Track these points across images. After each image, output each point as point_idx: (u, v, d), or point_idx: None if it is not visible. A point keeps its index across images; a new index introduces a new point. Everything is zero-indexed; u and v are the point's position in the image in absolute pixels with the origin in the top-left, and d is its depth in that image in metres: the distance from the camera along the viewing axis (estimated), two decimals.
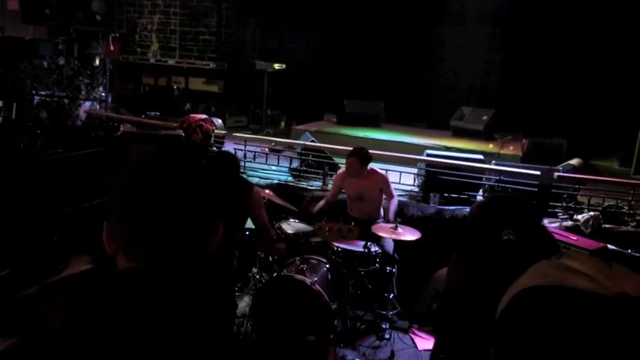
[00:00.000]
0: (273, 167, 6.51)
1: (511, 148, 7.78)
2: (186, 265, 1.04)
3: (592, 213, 5.00)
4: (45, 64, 7.82)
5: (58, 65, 7.79)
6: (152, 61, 11.12)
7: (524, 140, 7.53)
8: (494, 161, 5.89)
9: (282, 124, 9.81)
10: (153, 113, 8.43)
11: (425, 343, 4.40)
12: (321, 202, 5.03)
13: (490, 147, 7.70)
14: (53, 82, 7.62)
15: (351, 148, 4.92)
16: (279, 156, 6.74)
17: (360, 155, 4.71)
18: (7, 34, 8.96)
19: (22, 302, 4.21)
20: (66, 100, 7.56)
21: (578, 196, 5.44)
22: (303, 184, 5.96)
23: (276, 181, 5.95)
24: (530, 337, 0.63)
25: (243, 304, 4.53)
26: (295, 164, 6.45)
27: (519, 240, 2.01)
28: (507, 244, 2.09)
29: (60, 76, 7.68)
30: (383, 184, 4.85)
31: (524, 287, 0.66)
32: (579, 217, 5.00)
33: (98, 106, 8.23)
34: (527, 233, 2.07)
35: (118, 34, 9.55)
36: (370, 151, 4.87)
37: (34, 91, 7.47)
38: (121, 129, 6.65)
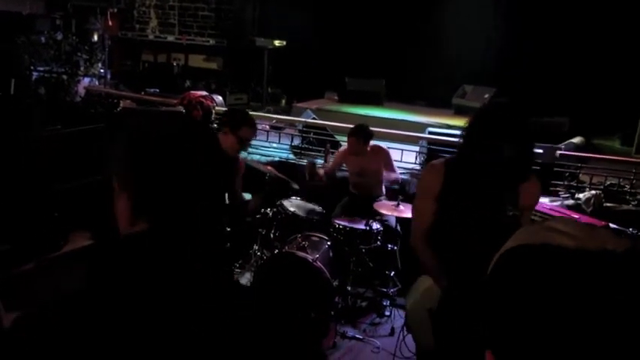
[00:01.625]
0: (274, 145, 6.48)
1: None
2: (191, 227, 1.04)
3: (594, 192, 4.99)
4: (43, 39, 7.74)
5: (56, 41, 7.71)
6: (151, 37, 10.98)
7: None
8: None
9: (283, 101, 9.74)
10: (152, 90, 8.37)
11: None
12: (321, 171, 5.06)
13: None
14: (51, 57, 7.55)
15: (352, 126, 4.89)
16: (280, 133, 6.70)
17: (361, 134, 4.69)
18: (3, 9, 8.85)
19: (22, 277, 4.22)
20: (65, 76, 7.50)
21: (580, 175, 5.42)
22: (305, 162, 5.92)
23: (277, 159, 5.93)
24: (516, 296, 0.64)
25: (245, 280, 4.53)
26: (296, 142, 6.42)
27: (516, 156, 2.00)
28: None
29: (58, 52, 7.60)
30: (385, 158, 4.81)
31: (509, 247, 0.68)
32: (581, 195, 4.99)
33: (97, 83, 8.17)
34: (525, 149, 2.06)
35: (116, 10, 9.41)
36: (372, 129, 4.84)
37: (32, 67, 7.40)
38: (121, 105, 6.60)
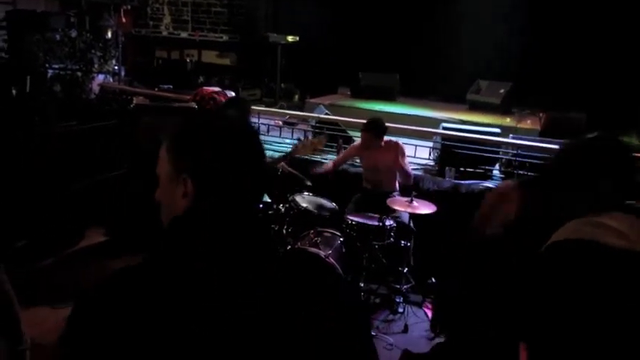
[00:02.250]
0: (287, 140, 6.46)
1: (529, 122, 7.63)
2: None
3: None
4: (57, 37, 7.77)
5: (71, 38, 7.73)
6: (165, 33, 11.01)
7: (542, 114, 7.38)
8: (511, 135, 5.78)
9: (296, 97, 9.71)
10: (166, 86, 8.38)
11: None
12: (329, 163, 5.03)
13: (507, 121, 7.56)
14: (66, 55, 7.57)
15: (364, 121, 4.86)
16: (292, 129, 6.68)
17: (375, 128, 4.67)
18: (19, 7, 8.92)
19: (40, 272, 4.27)
20: (79, 74, 7.53)
21: None
22: (317, 158, 5.90)
23: None
24: (560, 290, 0.62)
25: None
26: (309, 137, 6.39)
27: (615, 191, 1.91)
28: None
29: (72, 49, 7.63)
30: (398, 151, 4.77)
31: (557, 240, 0.66)
32: None
33: (111, 80, 8.20)
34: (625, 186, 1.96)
35: (129, 7, 9.44)
36: (386, 124, 4.81)
37: (47, 64, 7.44)
38: (134, 102, 6.63)
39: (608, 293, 0.57)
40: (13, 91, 6.80)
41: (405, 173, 4.79)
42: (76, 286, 3.97)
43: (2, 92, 6.62)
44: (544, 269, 0.64)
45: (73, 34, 7.86)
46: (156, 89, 7.93)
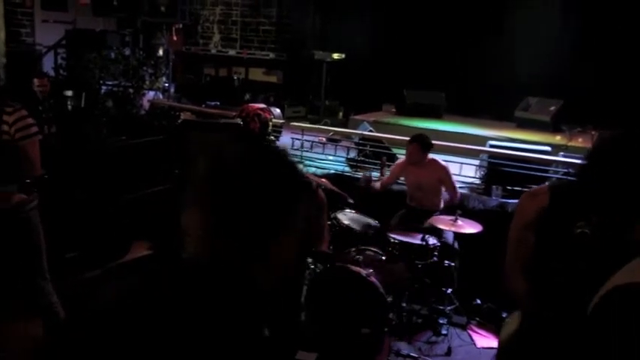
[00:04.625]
0: (330, 157, 6.46)
1: (580, 140, 7.37)
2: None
3: None
4: (112, 54, 8.09)
5: (124, 56, 8.04)
6: (213, 51, 11.30)
7: (594, 132, 7.12)
8: (561, 153, 5.59)
9: (340, 114, 9.72)
10: (213, 103, 8.57)
11: (484, 340, 4.24)
12: (377, 184, 4.99)
13: (557, 139, 7.32)
14: (119, 72, 7.87)
15: (409, 138, 4.82)
16: (336, 146, 6.68)
17: (422, 141, 4.62)
18: (79, 26, 9.35)
19: (86, 283, 4.37)
20: (131, 90, 7.80)
21: None
22: (360, 175, 5.87)
23: (332, 172, 5.90)
24: (619, 337, 0.56)
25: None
26: (352, 154, 6.38)
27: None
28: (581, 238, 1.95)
29: (126, 67, 7.91)
30: (443, 174, 4.71)
31: (618, 284, 0.60)
32: None
33: (161, 96, 8.45)
34: None
35: (181, 26, 9.75)
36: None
37: (101, 81, 7.74)
38: (181, 117, 6.79)
39: None
40: (69, 106, 7.10)
41: (452, 192, 4.71)
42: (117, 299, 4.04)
43: (60, 108, 6.92)
44: (605, 317, 0.57)
45: (127, 52, 8.16)
46: (203, 105, 8.11)
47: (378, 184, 5.07)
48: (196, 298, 0.92)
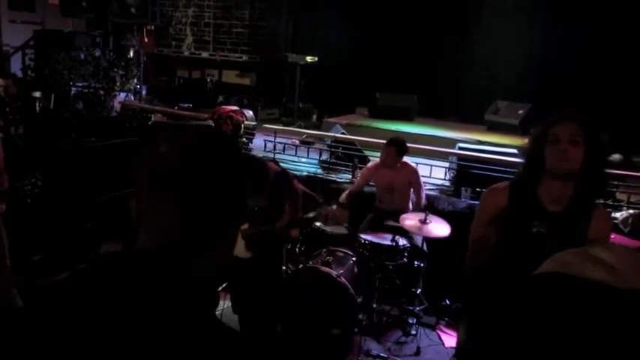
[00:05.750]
0: (303, 159, 6.49)
1: None
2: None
3: (631, 211, 4.80)
4: (82, 55, 7.97)
5: (94, 57, 7.93)
6: (186, 53, 11.23)
7: None
8: None
9: (314, 116, 9.76)
10: (186, 105, 8.52)
11: (452, 340, 4.30)
12: (344, 194, 5.00)
13: (525, 142, 7.45)
14: (89, 73, 7.76)
15: (381, 141, 4.86)
16: (308, 148, 6.71)
17: (398, 145, 4.66)
18: (48, 27, 9.19)
19: (53, 286, 4.31)
20: (101, 92, 7.70)
21: (617, 193, 5.23)
22: (333, 177, 5.91)
23: (305, 173, 5.92)
24: (538, 324, 0.59)
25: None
26: (325, 156, 6.42)
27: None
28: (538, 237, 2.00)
29: (96, 68, 7.81)
30: (413, 177, 4.77)
31: (542, 271, 0.63)
32: (618, 214, 4.80)
33: (133, 98, 8.36)
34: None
35: (152, 27, 9.66)
36: None
37: (71, 83, 7.62)
38: (152, 119, 6.73)
39: (582, 328, 0.55)
40: (37, 108, 6.97)
41: (420, 194, 4.77)
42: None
43: (28, 109, 6.79)
44: (526, 301, 0.61)
45: (97, 53, 8.05)
46: (176, 107, 8.05)
47: (344, 197, 5.04)
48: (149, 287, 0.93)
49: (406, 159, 4.87)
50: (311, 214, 3.90)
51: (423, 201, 4.77)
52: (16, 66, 8.42)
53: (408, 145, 5.18)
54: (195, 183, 2.91)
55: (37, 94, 7.11)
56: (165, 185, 2.77)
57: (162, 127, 5.89)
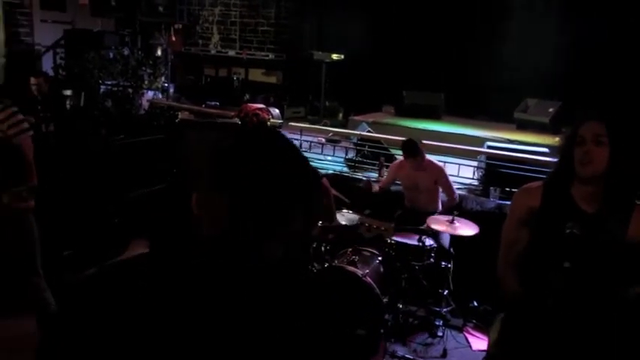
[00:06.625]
0: (329, 157, 6.46)
1: None
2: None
3: None
4: (111, 54, 8.08)
5: (123, 56, 8.02)
6: (213, 52, 11.29)
7: None
8: None
9: (340, 115, 9.71)
10: (213, 103, 8.57)
11: (480, 343, 4.23)
12: (376, 186, 4.98)
13: (556, 140, 7.24)
14: (118, 72, 7.86)
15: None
16: (334, 146, 6.68)
17: (406, 149, 4.61)
18: (78, 26, 9.34)
19: (82, 282, 4.37)
20: (130, 90, 7.79)
21: None
22: (358, 175, 5.87)
23: (331, 172, 5.90)
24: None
25: None
26: (351, 155, 6.38)
27: None
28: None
29: (125, 67, 7.91)
30: (439, 175, 4.70)
31: None
32: None
33: (160, 96, 8.44)
34: None
35: (180, 26, 9.74)
36: (428, 142, 4.76)
37: (100, 81, 7.73)
38: (179, 117, 6.78)
39: None
40: (68, 106, 7.10)
41: (449, 193, 4.70)
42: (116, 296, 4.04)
43: (59, 107, 6.92)
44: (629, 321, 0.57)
45: (126, 52, 8.15)
46: (203, 105, 8.10)
47: (377, 187, 5.06)
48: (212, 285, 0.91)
49: (433, 158, 4.80)
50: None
51: (456, 196, 4.70)
52: (47, 65, 8.57)
53: (435, 143, 5.13)
54: (257, 173, 2.83)
55: (68, 92, 7.23)
56: (227, 175, 2.70)
57: (190, 124, 5.93)
